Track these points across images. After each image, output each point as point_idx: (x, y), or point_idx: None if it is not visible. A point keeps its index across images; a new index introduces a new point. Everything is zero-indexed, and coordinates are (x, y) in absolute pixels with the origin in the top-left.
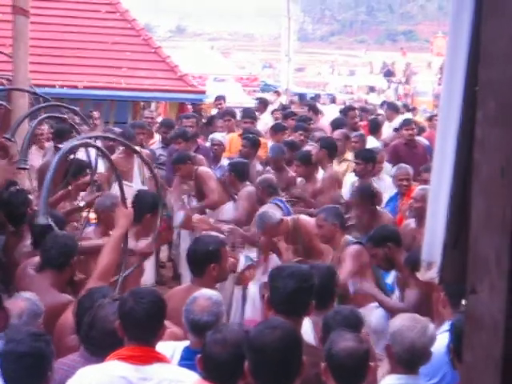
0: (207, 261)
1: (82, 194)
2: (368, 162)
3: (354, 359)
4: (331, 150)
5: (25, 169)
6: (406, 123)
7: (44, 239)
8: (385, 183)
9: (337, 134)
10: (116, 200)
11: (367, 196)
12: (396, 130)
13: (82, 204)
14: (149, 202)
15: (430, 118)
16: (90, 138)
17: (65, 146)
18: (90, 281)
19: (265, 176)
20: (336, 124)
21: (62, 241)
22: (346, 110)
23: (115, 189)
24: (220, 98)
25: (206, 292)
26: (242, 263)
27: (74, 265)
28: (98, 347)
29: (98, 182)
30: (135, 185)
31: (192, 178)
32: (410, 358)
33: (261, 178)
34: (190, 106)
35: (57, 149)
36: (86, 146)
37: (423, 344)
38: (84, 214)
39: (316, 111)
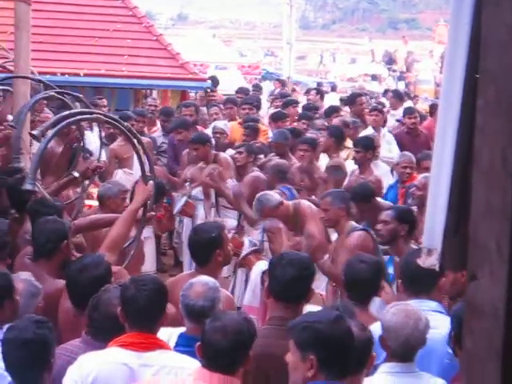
0: (212, 248)
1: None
2: (368, 149)
3: (355, 345)
4: (339, 139)
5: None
6: (409, 111)
7: (33, 227)
8: (381, 170)
9: (335, 121)
10: (122, 187)
11: (367, 196)
12: (398, 121)
13: (76, 175)
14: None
15: (431, 108)
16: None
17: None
18: (99, 250)
19: (277, 161)
20: (328, 112)
21: (49, 227)
22: (355, 97)
23: (117, 175)
24: (213, 90)
25: (202, 278)
26: (246, 246)
27: (64, 249)
28: (100, 331)
29: (102, 169)
30: (135, 172)
31: (209, 162)
32: (405, 351)
33: (273, 164)
34: (192, 94)
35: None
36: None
37: (417, 338)
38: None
39: (322, 96)
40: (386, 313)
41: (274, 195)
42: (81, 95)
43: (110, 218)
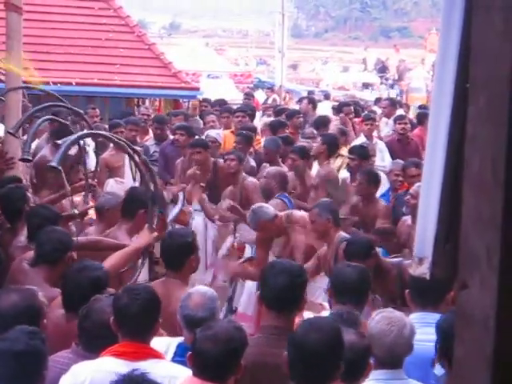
0: (187, 253)
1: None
2: (363, 158)
3: (353, 353)
4: (332, 146)
5: (28, 160)
6: (399, 117)
7: (39, 233)
8: None
9: (332, 129)
10: (121, 199)
11: (373, 179)
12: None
13: (76, 212)
14: (141, 199)
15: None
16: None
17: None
18: None
19: (278, 169)
20: (319, 123)
21: (57, 236)
22: (341, 106)
23: (109, 185)
24: (205, 101)
25: (200, 288)
26: (247, 253)
27: (67, 260)
28: (92, 340)
29: (94, 187)
30: (127, 181)
31: (208, 169)
32: (390, 359)
33: (273, 171)
34: (186, 104)
35: (55, 145)
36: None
37: (401, 346)
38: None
39: (314, 105)
40: (370, 320)
41: (269, 208)
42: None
43: (110, 244)
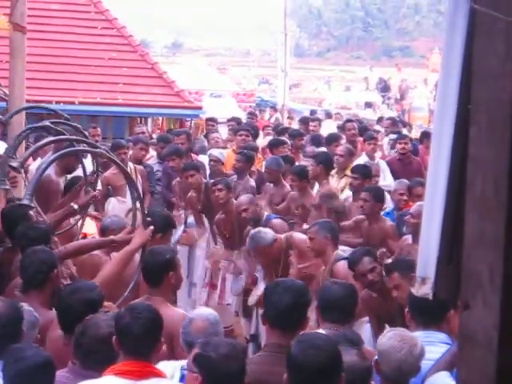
0: (166, 270)
1: None
2: (366, 177)
3: (355, 374)
4: (328, 165)
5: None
6: (400, 137)
7: (23, 256)
8: None
9: (340, 149)
10: (126, 223)
11: (378, 196)
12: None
13: (75, 207)
14: (159, 223)
15: (421, 135)
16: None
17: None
18: None
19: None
20: (330, 139)
21: (38, 257)
22: (344, 123)
23: (111, 203)
24: (212, 120)
25: (202, 312)
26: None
27: (55, 278)
28: (89, 357)
29: (97, 198)
30: (128, 200)
31: (200, 191)
32: (398, 377)
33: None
34: (188, 123)
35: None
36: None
37: (410, 364)
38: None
39: (307, 125)
40: (381, 337)
41: (268, 232)
42: (79, 125)
43: (97, 243)
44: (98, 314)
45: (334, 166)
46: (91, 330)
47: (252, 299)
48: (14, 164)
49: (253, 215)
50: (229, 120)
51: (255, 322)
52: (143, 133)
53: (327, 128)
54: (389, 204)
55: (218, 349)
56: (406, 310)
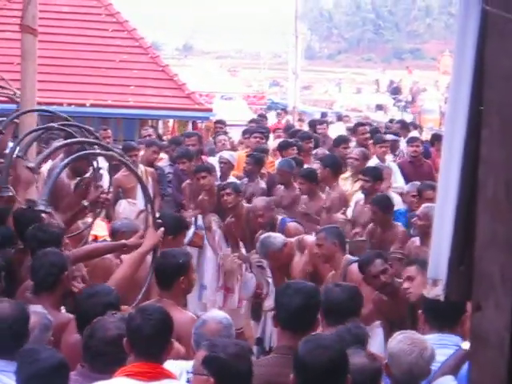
0: (176, 274)
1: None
2: (376, 179)
3: (364, 376)
4: (335, 167)
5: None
6: (411, 140)
7: (33, 259)
8: (394, 201)
9: (355, 152)
10: (137, 227)
11: (386, 205)
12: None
13: (85, 203)
14: (170, 225)
15: (432, 137)
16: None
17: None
18: None
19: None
20: (338, 141)
21: (49, 260)
22: (356, 126)
23: (121, 206)
24: (220, 122)
25: (216, 315)
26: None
27: (65, 280)
28: (98, 358)
29: (110, 201)
30: (139, 202)
31: (212, 193)
32: (408, 380)
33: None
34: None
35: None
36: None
37: (421, 367)
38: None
39: (315, 128)
40: (392, 340)
41: (278, 237)
42: (91, 128)
43: (109, 247)
44: (105, 316)
45: (348, 169)
46: (99, 333)
47: (268, 304)
48: (30, 165)
49: (269, 220)
50: (249, 122)
51: (262, 325)
52: (150, 135)
53: (336, 130)
54: (400, 206)
55: (227, 349)
56: (420, 311)
